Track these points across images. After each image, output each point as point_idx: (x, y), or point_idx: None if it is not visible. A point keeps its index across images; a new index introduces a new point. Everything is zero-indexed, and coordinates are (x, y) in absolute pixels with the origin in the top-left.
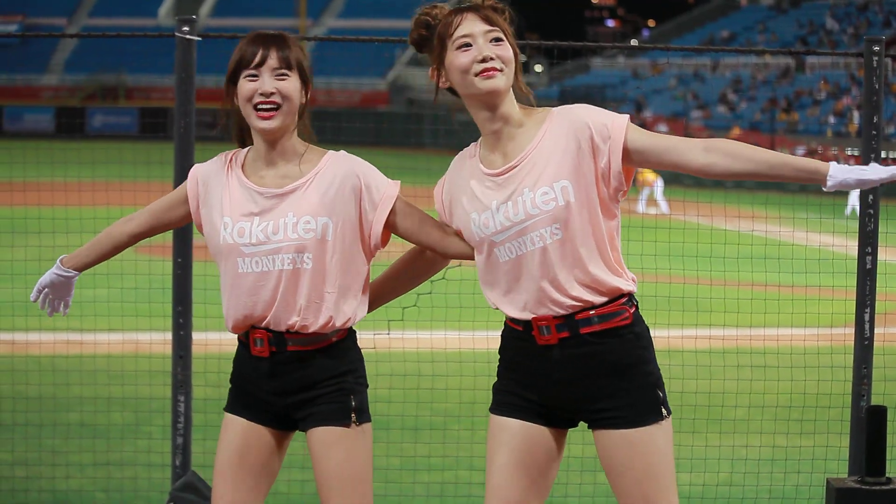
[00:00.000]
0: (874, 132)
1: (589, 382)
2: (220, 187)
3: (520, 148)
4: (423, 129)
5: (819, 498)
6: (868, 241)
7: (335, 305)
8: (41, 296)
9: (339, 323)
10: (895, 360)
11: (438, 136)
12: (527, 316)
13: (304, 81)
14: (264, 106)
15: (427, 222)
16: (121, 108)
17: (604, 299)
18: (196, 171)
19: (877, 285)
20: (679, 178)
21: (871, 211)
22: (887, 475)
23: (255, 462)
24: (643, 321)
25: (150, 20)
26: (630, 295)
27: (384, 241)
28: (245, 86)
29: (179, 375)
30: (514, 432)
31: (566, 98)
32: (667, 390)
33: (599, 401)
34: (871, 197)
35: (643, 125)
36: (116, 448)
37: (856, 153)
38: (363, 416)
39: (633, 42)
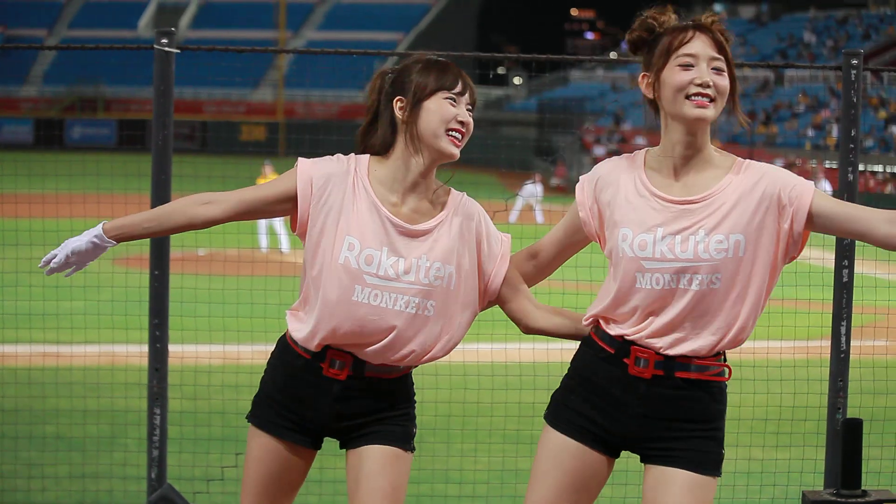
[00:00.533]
0: (852, 145)
1: (666, 423)
2: (345, 197)
3: (704, 185)
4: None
5: None
6: (845, 254)
7: (439, 350)
8: (65, 261)
9: (429, 361)
10: (871, 373)
11: None
12: (637, 340)
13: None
14: (456, 134)
15: (523, 289)
16: (99, 120)
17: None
18: (311, 169)
19: (853, 298)
20: None
21: None
22: (863, 488)
23: (284, 480)
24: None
25: (130, 32)
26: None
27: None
28: (445, 107)
29: (155, 388)
30: (571, 454)
31: (544, 110)
32: None
33: (664, 441)
34: None
35: (622, 139)
36: (92, 460)
37: (834, 166)
38: (413, 446)
39: (613, 55)
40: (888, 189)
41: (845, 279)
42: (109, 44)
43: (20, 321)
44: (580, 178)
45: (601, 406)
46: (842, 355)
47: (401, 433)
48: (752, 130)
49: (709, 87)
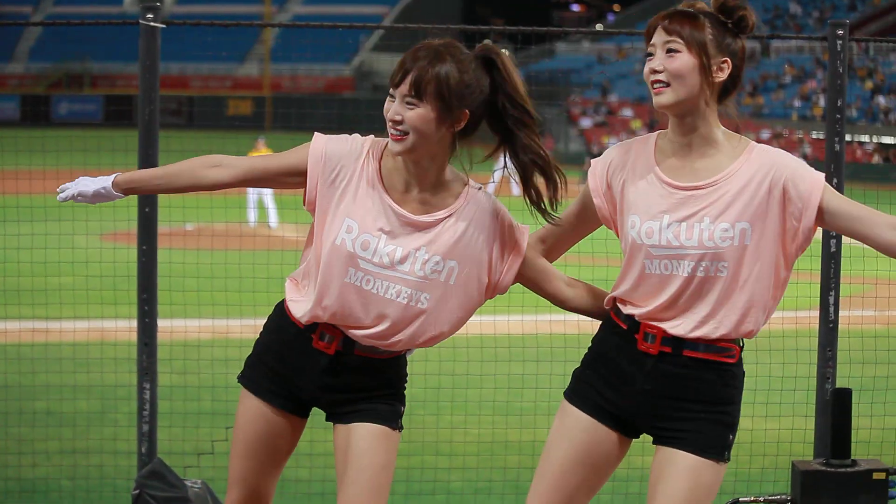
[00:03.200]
0: (838, 116)
1: (673, 402)
2: (352, 179)
3: (712, 170)
4: None
5: (785, 480)
6: None
7: (429, 340)
8: (71, 198)
9: (416, 347)
10: (860, 343)
11: None
12: (644, 318)
13: (447, 111)
14: (393, 131)
15: (550, 272)
16: (86, 96)
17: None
18: (325, 147)
19: (841, 268)
20: None
21: None
22: (852, 457)
23: (272, 445)
24: (742, 364)
25: (116, 7)
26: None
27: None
28: (386, 105)
29: (145, 363)
30: (583, 427)
31: (531, 83)
32: None
33: (674, 421)
34: (835, 180)
35: (609, 111)
36: (82, 436)
37: (821, 136)
38: (401, 425)
39: (599, 27)
40: (875, 159)
41: (833, 249)
42: (95, 19)
43: (9, 297)
44: (591, 162)
45: (611, 381)
46: (830, 325)
47: (389, 412)
48: (738, 114)
49: (658, 72)
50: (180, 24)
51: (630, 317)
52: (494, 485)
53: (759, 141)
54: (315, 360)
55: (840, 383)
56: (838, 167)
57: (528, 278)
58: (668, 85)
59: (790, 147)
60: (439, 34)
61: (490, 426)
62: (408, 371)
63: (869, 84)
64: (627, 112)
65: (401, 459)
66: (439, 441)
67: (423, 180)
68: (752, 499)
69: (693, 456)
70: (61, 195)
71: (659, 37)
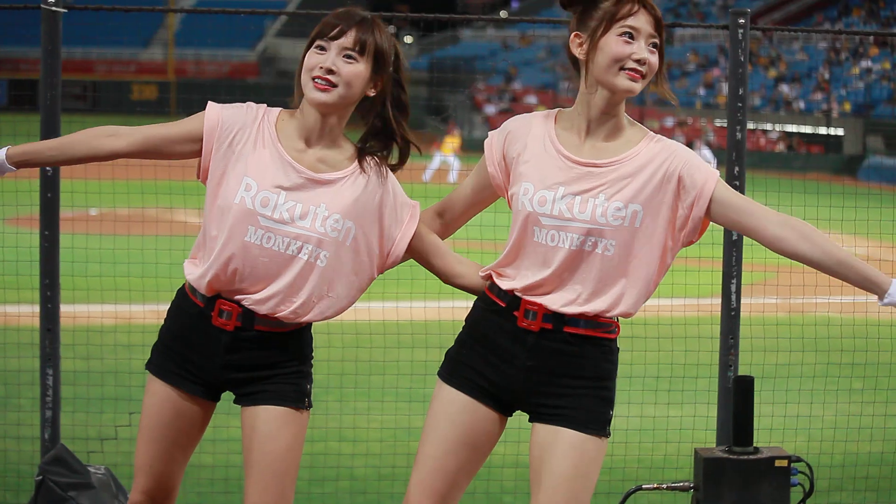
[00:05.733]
0: (740, 104)
1: (555, 379)
2: (249, 142)
3: (612, 150)
4: (292, 101)
5: (688, 467)
6: None
7: (327, 307)
8: None
9: (318, 320)
10: (762, 331)
11: None
12: (525, 296)
13: (377, 73)
14: (320, 81)
15: (441, 248)
16: None
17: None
18: (219, 114)
19: (743, 256)
20: None
21: (738, 182)
22: (755, 444)
23: (180, 431)
24: (617, 341)
25: None
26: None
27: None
28: (311, 57)
29: (48, 348)
30: (462, 408)
31: (434, 69)
32: None
33: (553, 398)
34: (736, 168)
35: (513, 98)
36: None
37: (724, 125)
38: (309, 402)
39: (503, 14)
40: (779, 147)
41: (735, 237)
42: None
43: None
44: (489, 133)
45: (492, 360)
46: (732, 313)
47: (293, 392)
48: (678, 104)
49: (644, 64)
50: (81, 8)
51: (509, 293)
52: (398, 471)
53: (662, 128)
54: (216, 338)
55: (742, 371)
56: (740, 155)
57: (419, 252)
58: (644, 77)
59: (694, 134)
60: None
61: (394, 412)
62: (313, 355)
63: (772, 72)
64: (532, 99)
65: (306, 446)
66: (343, 427)
67: (323, 138)
68: (655, 486)
69: (575, 432)
70: None
71: (646, 26)
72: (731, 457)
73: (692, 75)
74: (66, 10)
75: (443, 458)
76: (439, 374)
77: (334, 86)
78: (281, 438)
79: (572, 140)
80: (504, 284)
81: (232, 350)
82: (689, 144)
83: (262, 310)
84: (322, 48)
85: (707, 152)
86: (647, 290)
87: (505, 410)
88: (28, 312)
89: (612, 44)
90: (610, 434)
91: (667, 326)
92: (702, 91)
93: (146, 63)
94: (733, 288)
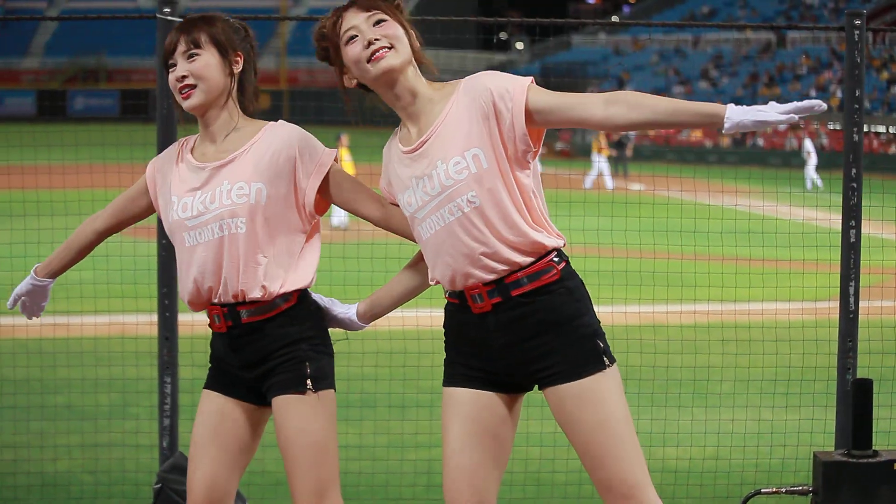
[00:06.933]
0: (856, 106)
1: (527, 344)
2: (172, 172)
3: (430, 122)
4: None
5: (806, 471)
6: (852, 215)
7: (271, 271)
8: (18, 303)
9: (275, 289)
10: (880, 333)
11: None
12: (458, 287)
13: (225, 55)
14: (183, 89)
15: (363, 192)
16: (102, 91)
17: (530, 259)
18: (153, 161)
19: (861, 259)
20: (661, 154)
21: (855, 185)
22: (874, 448)
23: (229, 436)
24: (576, 275)
25: (131, 2)
26: (558, 251)
27: (320, 209)
28: (169, 77)
29: (166, 357)
30: (464, 401)
31: (548, 74)
32: (653, 364)
33: (540, 360)
34: (854, 171)
35: None
36: (103, 430)
37: (838, 128)
38: (321, 383)
39: (615, 18)
40: (892, 149)
41: (853, 239)
42: (110, 13)
43: None
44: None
45: (471, 352)
46: (851, 315)
47: (292, 378)
48: (435, 73)
49: (377, 40)
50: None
51: (453, 291)
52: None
53: (774, 130)
54: (225, 343)
55: (860, 374)
56: (857, 157)
57: (341, 201)
58: (391, 47)
59: (808, 138)
60: (457, 27)
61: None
62: (312, 335)
63: (885, 74)
64: None
65: (422, 451)
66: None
67: (221, 132)
68: (774, 490)
69: (574, 383)
70: (19, 306)
71: (356, 17)
72: (850, 460)
73: (804, 78)
74: (181, 20)
75: (461, 454)
76: (443, 382)
77: (193, 87)
78: (288, 426)
79: (410, 137)
80: (444, 285)
81: (237, 349)
82: (800, 143)
83: (230, 298)
84: (172, 65)
85: (808, 142)
86: (537, 215)
87: (510, 391)
88: (146, 321)
89: (347, 53)
90: (613, 359)
91: (784, 329)
92: (814, 94)
93: (258, 72)
94: (851, 290)
